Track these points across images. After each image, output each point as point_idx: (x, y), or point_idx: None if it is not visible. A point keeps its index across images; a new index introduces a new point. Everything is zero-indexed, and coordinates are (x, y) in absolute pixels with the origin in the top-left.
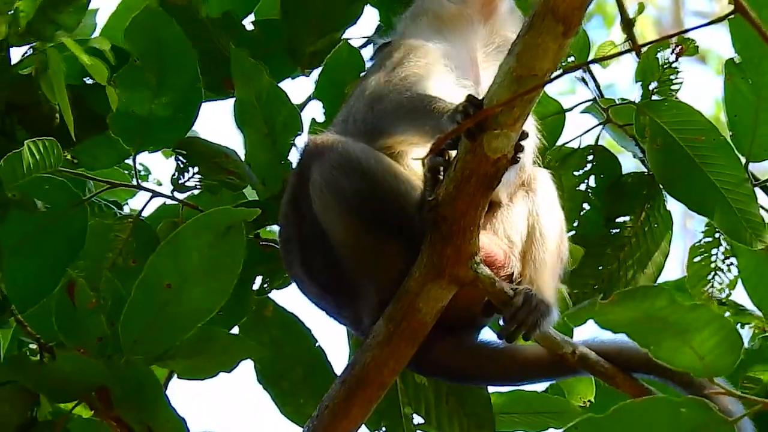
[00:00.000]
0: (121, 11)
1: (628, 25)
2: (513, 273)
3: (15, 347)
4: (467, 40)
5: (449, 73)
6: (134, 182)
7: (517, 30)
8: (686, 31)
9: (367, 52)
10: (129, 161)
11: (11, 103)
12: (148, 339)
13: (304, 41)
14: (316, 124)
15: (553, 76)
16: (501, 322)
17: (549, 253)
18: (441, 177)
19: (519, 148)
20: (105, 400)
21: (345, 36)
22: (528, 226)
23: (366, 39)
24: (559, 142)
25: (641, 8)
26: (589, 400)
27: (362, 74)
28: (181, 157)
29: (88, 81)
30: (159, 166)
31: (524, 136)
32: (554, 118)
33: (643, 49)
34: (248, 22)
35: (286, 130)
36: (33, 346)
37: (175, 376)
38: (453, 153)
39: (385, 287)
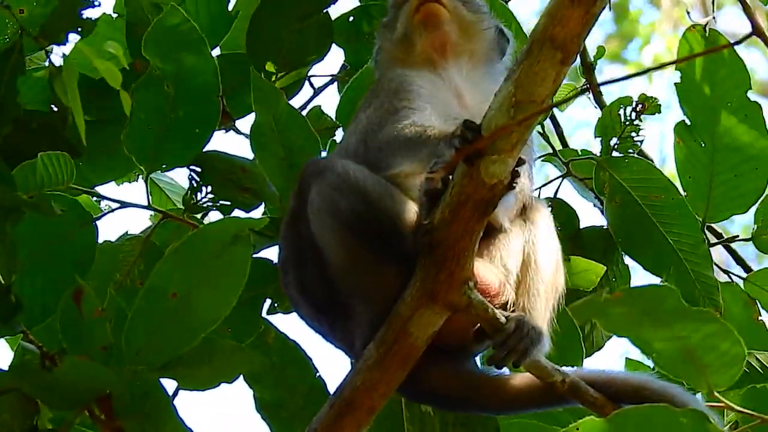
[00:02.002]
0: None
1: (588, 69)
2: (507, 301)
3: (20, 355)
4: (443, 70)
5: (436, 101)
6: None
7: (491, 45)
8: (656, 68)
9: (332, 90)
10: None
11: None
12: (152, 348)
13: (270, 76)
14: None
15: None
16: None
17: (544, 282)
18: (437, 202)
19: (516, 175)
20: (107, 409)
21: (311, 72)
22: (524, 255)
23: (331, 77)
24: None
25: (601, 52)
26: None
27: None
28: (195, 175)
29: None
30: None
31: (521, 162)
32: None
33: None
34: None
35: (303, 153)
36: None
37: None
38: (450, 178)
39: (378, 310)
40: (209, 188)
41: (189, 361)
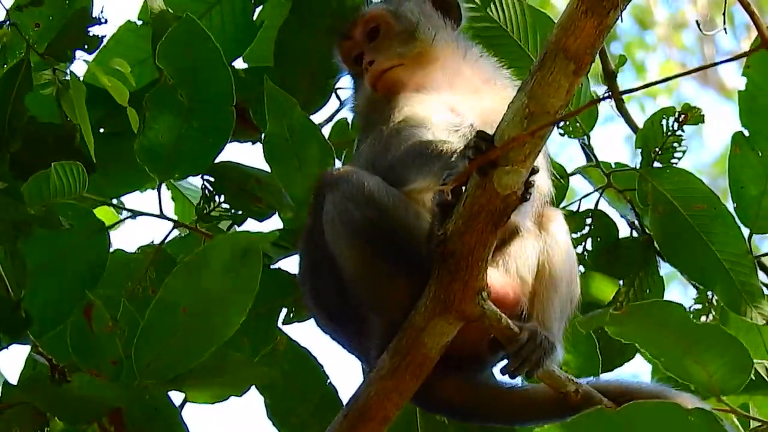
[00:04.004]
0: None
1: (609, 76)
2: (522, 311)
3: (30, 367)
4: (425, 94)
5: (432, 117)
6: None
7: (447, 40)
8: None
9: None
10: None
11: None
12: (162, 363)
13: (297, 88)
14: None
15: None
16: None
17: (558, 293)
18: (450, 212)
19: (529, 185)
20: (118, 423)
21: (338, 85)
22: (539, 265)
23: None
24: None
25: (622, 60)
26: None
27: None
28: (208, 185)
29: None
30: None
31: (534, 171)
32: (557, 182)
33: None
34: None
35: (318, 163)
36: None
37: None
38: (463, 189)
39: (392, 320)
40: (222, 198)
41: (199, 374)
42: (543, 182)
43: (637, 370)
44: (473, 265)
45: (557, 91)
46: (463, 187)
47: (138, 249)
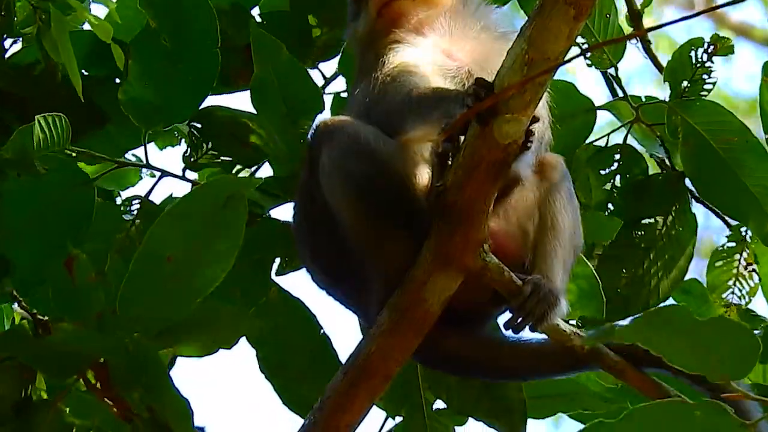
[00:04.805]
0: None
1: (635, 17)
2: (524, 263)
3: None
4: (422, 37)
5: (429, 62)
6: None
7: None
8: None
9: None
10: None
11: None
12: (148, 315)
13: (315, 33)
14: (341, 99)
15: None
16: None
17: (561, 244)
18: (450, 163)
19: (530, 134)
20: (103, 378)
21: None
22: (541, 215)
23: None
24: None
25: (647, 1)
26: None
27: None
28: (195, 131)
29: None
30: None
31: (535, 120)
32: (585, 116)
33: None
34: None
35: (306, 108)
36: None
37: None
38: (462, 138)
39: (391, 275)
40: (210, 144)
41: (186, 327)
42: (543, 130)
43: None
44: (474, 217)
45: (557, 38)
46: (462, 137)
47: (125, 200)
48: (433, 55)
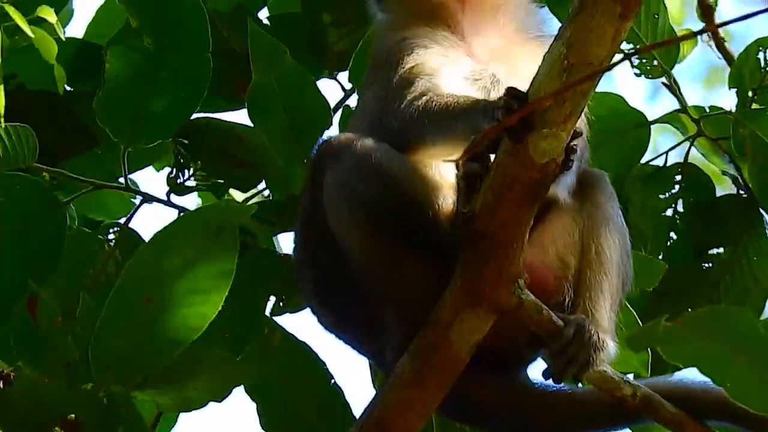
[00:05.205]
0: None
1: (705, 11)
2: (564, 300)
3: None
4: (455, 25)
5: (457, 65)
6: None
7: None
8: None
9: None
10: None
11: None
12: (124, 364)
13: (329, 38)
14: (351, 111)
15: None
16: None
17: (607, 276)
18: (478, 185)
19: (571, 151)
20: None
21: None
22: (583, 244)
23: None
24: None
25: None
26: None
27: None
28: (181, 149)
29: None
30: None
31: (576, 135)
32: (637, 132)
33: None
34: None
35: (311, 123)
36: None
37: None
38: (492, 157)
39: (410, 316)
40: (199, 164)
41: (169, 377)
42: (583, 146)
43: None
44: (507, 247)
45: (601, 39)
46: (492, 156)
47: (101, 227)
48: (458, 56)
